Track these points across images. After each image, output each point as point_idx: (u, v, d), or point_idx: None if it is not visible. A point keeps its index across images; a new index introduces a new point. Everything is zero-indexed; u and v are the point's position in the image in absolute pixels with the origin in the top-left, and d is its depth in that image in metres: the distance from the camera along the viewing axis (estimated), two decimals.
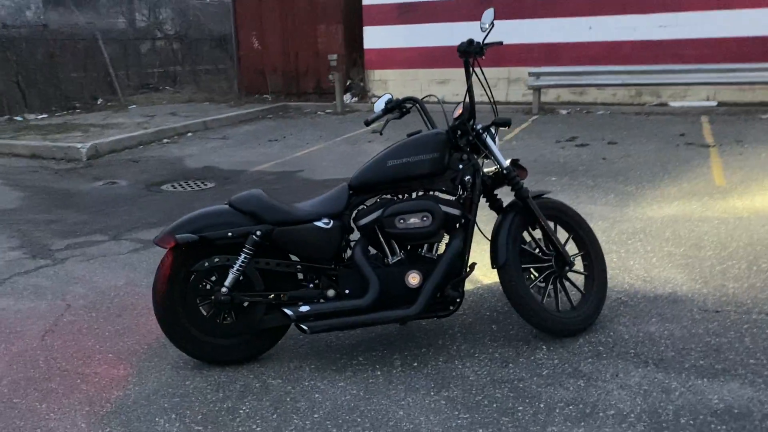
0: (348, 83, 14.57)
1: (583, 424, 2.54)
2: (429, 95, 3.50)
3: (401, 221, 3.01)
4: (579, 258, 3.42)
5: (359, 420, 2.63)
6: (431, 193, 3.15)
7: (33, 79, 14.05)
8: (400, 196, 3.14)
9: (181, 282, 3.01)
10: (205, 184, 7.23)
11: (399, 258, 3.09)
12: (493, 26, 3.04)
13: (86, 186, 7.39)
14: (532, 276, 3.33)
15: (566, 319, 3.22)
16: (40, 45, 14.64)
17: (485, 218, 3.46)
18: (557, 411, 2.63)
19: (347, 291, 3.05)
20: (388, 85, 14.11)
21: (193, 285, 3.03)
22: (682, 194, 5.79)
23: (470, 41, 3.06)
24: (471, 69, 3.14)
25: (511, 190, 3.21)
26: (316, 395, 2.83)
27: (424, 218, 3.01)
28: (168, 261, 2.99)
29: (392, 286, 3.02)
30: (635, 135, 9.08)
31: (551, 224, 3.32)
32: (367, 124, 3.43)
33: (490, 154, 3.19)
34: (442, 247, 3.15)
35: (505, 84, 13.03)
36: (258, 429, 2.61)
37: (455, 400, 2.75)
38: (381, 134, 3.41)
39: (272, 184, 7.04)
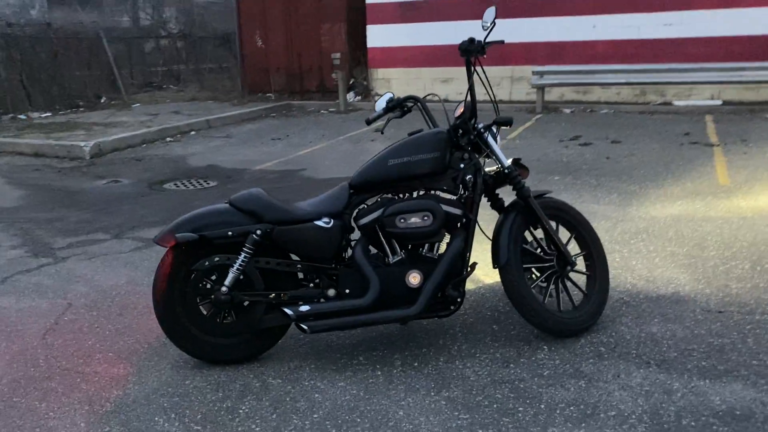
0: (351, 82, 14.56)
1: (583, 425, 2.52)
2: (430, 94, 3.48)
3: (402, 221, 2.99)
4: (581, 258, 3.40)
5: (359, 420, 2.62)
6: (432, 192, 3.13)
7: (37, 77, 14.08)
8: (401, 196, 3.12)
9: (181, 281, 3.01)
10: (208, 183, 7.23)
11: (400, 258, 3.08)
12: (494, 25, 3.02)
13: (89, 184, 7.40)
14: (533, 276, 3.31)
15: (568, 319, 3.20)
16: (44, 43, 14.66)
17: (488, 217, 3.44)
18: (558, 412, 2.61)
19: (347, 290, 3.03)
20: (392, 83, 14.10)
21: (193, 284, 3.02)
22: (685, 194, 5.76)
23: (471, 40, 3.05)
24: (472, 68, 3.12)
25: (513, 189, 3.19)
26: (316, 395, 2.82)
27: (425, 218, 2.99)
28: (168, 260, 2.99)
29: (393, 285, 3.01)
30: (639, 134, 9.05)
31: (553, 224, 3.31)
32: (369, 123, 3.42)
33: (491, 153, 3.17)
34: (443, 247, 3.14)
35: (508, 83, 13.00)
36: (257, 429, 2.60)
37: (455, 400, 2.73)
38: (382, 133, 3.40)
39: (275, 183, 7.04)
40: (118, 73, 16.14)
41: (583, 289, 3.38)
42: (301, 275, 3.11)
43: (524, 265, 3.20)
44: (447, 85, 13.08)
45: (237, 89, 16.15)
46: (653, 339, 3.17)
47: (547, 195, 3.35)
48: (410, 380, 2.91)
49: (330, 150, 8.97)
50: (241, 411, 2.73)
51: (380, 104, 3.40)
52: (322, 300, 3.05)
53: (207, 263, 2.98)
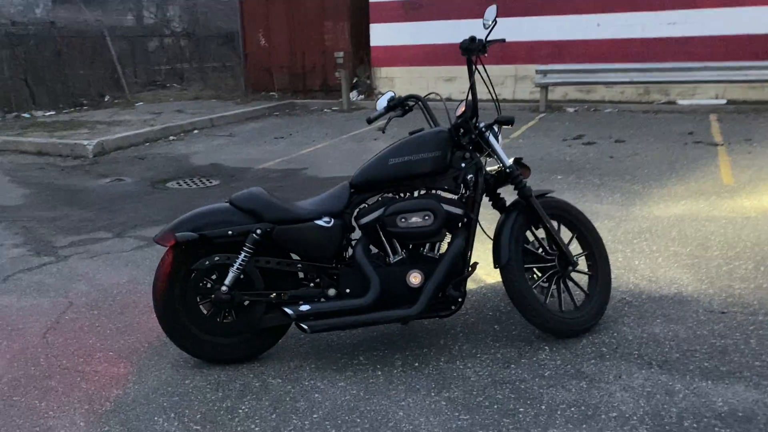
0: (354, 81, 14.55)
1: (584, 426, 2.51)
2: (431, 93, 3.47)
3: (403, 220, 2.98)
4: (583, 258, 3.39)
5: (358, 421, 2.61)
6: (433, 191, 3.12)
7: (41, 76, 14.10)
8: (402, 195, 3.11)
9: (181, 280, 3.00)
10: (211, 182, 7.22)
11: (400, 257, 3.07)
12: (495, 23, 3.01)
13: (92, 183, 7.41)
14: (535, 276, 3.30)
15: (569, 319, 3.19)
16: (48, 42, 14.68)
17: (490, 217, 3.43)
18: (559, 413, 2.60)
19: (348, 290, 3.02)
20: (395, 82, 14.08)
21: (194, 283, 3.02)
22: (689, 193, 5.73)
23: (472, 38, 3.03)
24: (474, 66, 3.10)
25: (514, 189, 3.18)
26: (316, 395, 2.81)
27: (426, 217, 2.98)
28: (168, 259, 2.98)
29: (393, 285, 3.00)
30: (643, 133, 9.01)
31: (555, 223, 3.29)
32: (370, 122, 3.40)
33: (492, 153, 3.16)
34: (444, 247, 3.12)
35: (512, 82, 12.97)
36: (256, 429, 2.59)
37: (456, 401, 2.72)
38: (383, 132, 3.39)
39: (277, 182, 7.03)
40: (122, 71, 16.16)
41: (585, 289, 3.37)
42: (301, 275, 3.10)
43: (526, 265, 3.18)
44: (450, 84, 13.06)
45: (240, 88, 16.15)
46: (655, 340, 3.15)
47: (548, 194, 3.33)
48: (411, 380, 2.90)
49: (333, 149, 8.96)
50: (240, 411, 2.72)
51: (381, 103, 3.38)
52: (322, 299, 3.04)
53: (207, 262, 2.97)
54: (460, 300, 3.06)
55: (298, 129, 11.02)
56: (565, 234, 3.35)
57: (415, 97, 3.34)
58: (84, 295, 4.02)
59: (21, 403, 2.83)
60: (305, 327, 2.95)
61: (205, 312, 3.05)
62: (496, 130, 3.20)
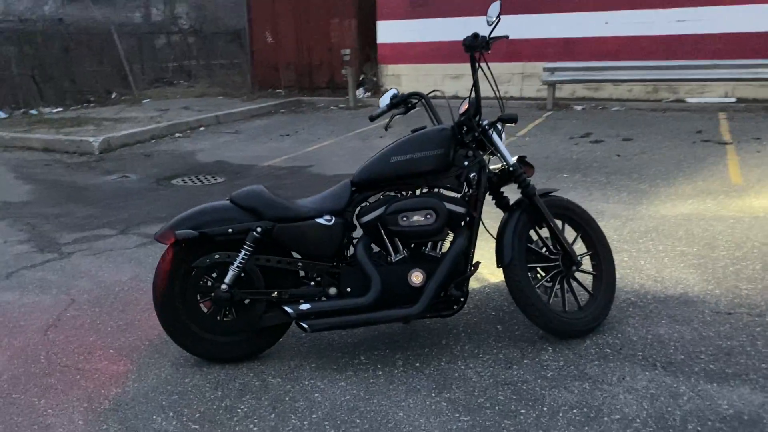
0: (361, 78, 14.52)
1: (586, 428, 2.47)
2: (434, 90, 3.43)
3: (404, 219, 2.95)
4: (587, 257, 3.35)
5: (358, 421, 2.59)
6: (436, 190, 3.09)
7: (49, 73, 14.15)
8: (404, 193, 3.08)
9: (181, 278, 2.98)
10: (216, 179, 7.21)
11: (402, 256, 3.04)
12: (499, 20, 2.97)
13: (97, 180, 7.41)
14: (538, 275, 3.26)
15: (573, 320, 3.15)
16: (56, 39, 14.73)
17: (493, 216, 3.39)
18: (561, 415, 2.57)
19: (349, 289, 3.00)
20: (402, 80, 14.04)
21: (194, 281, 3.00)
22: (696, 192, 5.67)
23: (475, 35, 2.99)
24: (477, 64, 3.07)
25: (518, 187, 3.14)
26: (316, 395, 2.79)
27: (428, 216, 2.95)
28: (168, 257, 2.96)
29: (395, 284, 2.97)
30: (651, 132, 8.94)
31: (559, 223, 3.25)
32: (372, 119, 3.37)
33: (496, 151, 3.12)
34: (446, 245, 3.09)
35: (519, 79, 12.90)
36: (255, 428, 2.57)
37: (456, 401, 2.69)
38: (386, 130, 3.36)
39: (282, 179, 7.01)
40: (129, 68, 16.19)
41: (589, 289, 3.33)
42: (302, 273, 3.08)
43: (529, 265, 3.15)
44: (457, 82, 13.00)
45: (247, 85, 16.15)
46: (660, 341, 3.11)
47: (552, 193, 3.29)
48: (411, 380, 2.87)
49: (338, 146, 8.94)
50: (239, 410, 2.70)
51: (384, 100, 3.35)
52: (323, 298, 3.01)
53: (207, 260, 2.95)
54: (462, 299, 3.03)
55: (304, 126, 11.00)
56: (570, 233, 3.31)
57: (418, 95, 3.31)
58: (86, 293, 4.01)
59: (20, 400, 2.83)
60: (305, 326, 2.92)
61: (205, 310, 3.04)
62: (500, 127, 3.16)
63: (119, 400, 2.81)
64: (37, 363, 3.15)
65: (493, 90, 3.14)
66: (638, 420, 2.50)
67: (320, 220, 2.98)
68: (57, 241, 5.08)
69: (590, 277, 3.35)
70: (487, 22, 3.00)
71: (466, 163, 3.05)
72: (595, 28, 12.15)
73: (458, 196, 3.06)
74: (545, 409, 2.61)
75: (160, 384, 2.92)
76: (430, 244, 3.08)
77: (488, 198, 3.17)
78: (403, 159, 2.99)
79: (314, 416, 2.63)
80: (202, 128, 11.06)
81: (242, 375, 2.97)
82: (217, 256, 2.95)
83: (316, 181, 6.87)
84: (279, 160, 8.15)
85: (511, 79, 12.80)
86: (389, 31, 14.11)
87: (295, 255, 3.06)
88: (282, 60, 15.45)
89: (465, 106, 3.11)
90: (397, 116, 3.32)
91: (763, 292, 3.57)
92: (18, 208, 6.18)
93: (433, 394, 2.75)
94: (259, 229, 2.91)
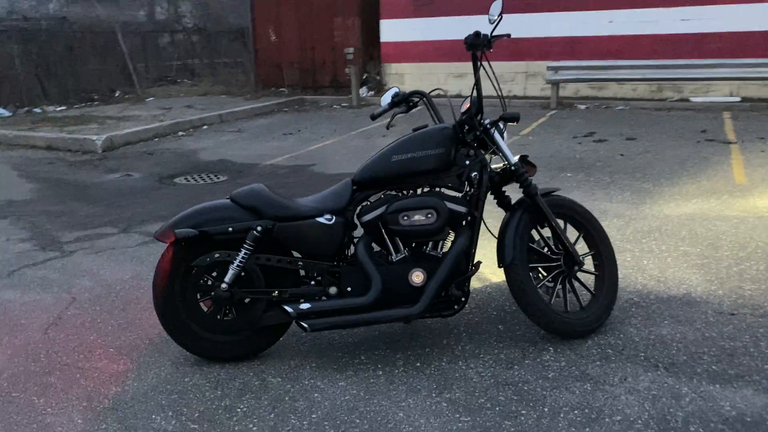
0: (364, 77, 14.50)
1: (587, 429, 2.46)
2: (436, 89, 3.42)
3: (405, 218, 2.94)
4: (589, 257, 3.33)
5: (357, 421, 2.57)
6: (437, 189, 3.07)
7: (52, 71, 14.16)
8: (405, 192, 3.07)
9: (181, 277, 2.98)
10: (218, 178, 7.21)
11: (403, 255, 3.02)
12: (501, 18, 2.95)
13: (100, 178, 7.42)
14: (540, 275, 3.25)
15: (574, 320, 3.13)
16: (60, 37, 14.74)
17: (495, 215, 3.37)
18: (562, 416, 2.55)
19: (349, 288, 2.99)
20: (405, 78, 14.01)
21: (193, 280, 2.99)
22: (700, 192, 5.64)
23: (477, 34, 2.97)
24: (479, 62, 3.05)
25: (519, 186, 3.12)
26: (316, 395, 2.78)
27: (429, 215, 2.93)
28: (168, 256, 2.95)
29: (395, 284, 2.96)
30: (655, 131, 8.90)
31: (561, 222, 3.23)
32: (373, 118, 3.35)
33: (497, 150, 3.10)
34: (447, 245, 3.07)
35: (523, 78, 12.87)
36: (254, 428, 2.56)
37: (457, 402, 2.68)
38: (388, 128, 3.34)
39: (285, 178, 7.00)
40: (133, 67, 16.20)
41: (591, 289, 3.31)
42: (302, 272, 3.06)
43: (530, 265, 3.13)
44: (460, 81, 12.96)
45: (250, 84, 16.13)
46: (662, 341, 3.09)
47: (555, 193, 3.27)
48: (412, 381, 2.86)
49: (341, 145, 8.92)
50: (239, 410, 2.69)
51: (385, 99, 3.33)
52: (323, 298, 3.00)
53: (207, 259, 2.94)
54: (463, 299, 3.01)
55: (307, 125, 10.99)
56: (572, 233, 3.29)
57: (420, 93, 3.29)
58: (87, 291, 4.01)
59: (20, 399, 2.82)
60: (306, 325, 2.91)
61: (205, 309, 3.03)
62: (502, 127, 3.15)
63: (119, 399, 2.80)
64: (37, 361, 3.15)
65: (496, 89, 3.12)
66: (640, 421, 2.49)
67: (321, 219, 2.96)
68: (59, 240, 5.08)
69: (592, 277, 3.33)
70: (489, 20, 2.98)
71: (467, 162, 3.03)
72: (599, 27, 12.11)
73: (459, 195, 3.04)
74: (546, 409, 2.60)
75: (160, 383, 2.92)
76: (431, 244, 3.06)
77: (490, 197, 3.16)
78: (405, 158, 2.97)
79: (314, 416, 2.62)
80: (205, 127, 11.06)
81: (242, 374, 2.96)
82: (217, 255, 2.94)
83: (318, 179, 6.86)
84: (281, 158, 8.14)
85: (515, 78, 12.76)
86: (392, 30, 14.09)
87: (296, 254, 3.05)
88: (285, 59, 15.44)
89: (467, 105, 3.10)
90: (399, 115, 3.30)
91: (766, 293, 3.55)
92: (21, 206, 6.19)
93: (434, 395, 2.74)
94: (259, 228, 2.90)
